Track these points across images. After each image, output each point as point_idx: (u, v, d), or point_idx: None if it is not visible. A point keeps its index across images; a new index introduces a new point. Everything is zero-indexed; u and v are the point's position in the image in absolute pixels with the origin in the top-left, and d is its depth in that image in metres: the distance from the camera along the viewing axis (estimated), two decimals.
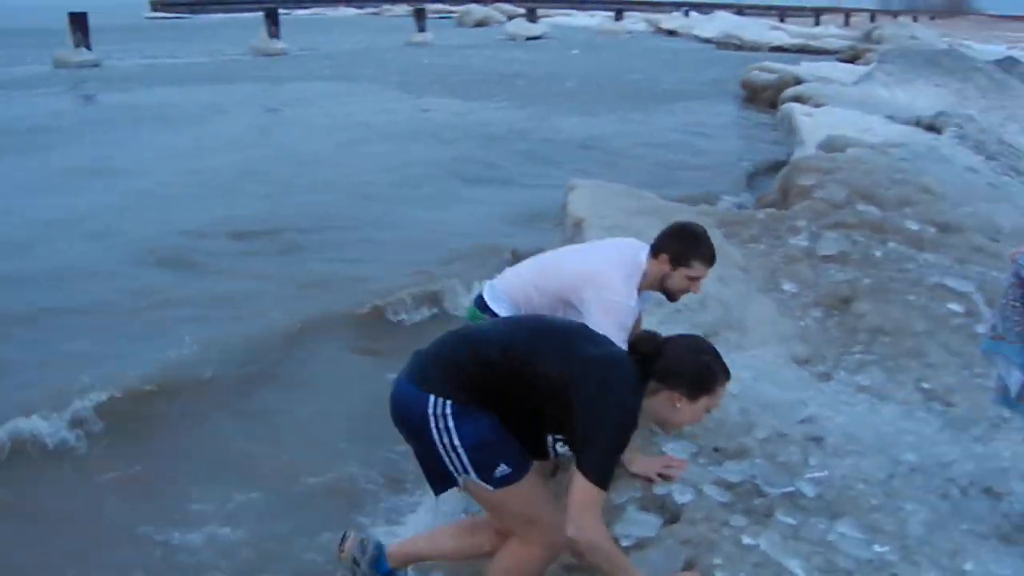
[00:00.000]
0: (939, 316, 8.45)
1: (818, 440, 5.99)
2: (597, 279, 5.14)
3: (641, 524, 5.11)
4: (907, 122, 18.93)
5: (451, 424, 3.89)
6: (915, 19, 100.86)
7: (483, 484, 4.00)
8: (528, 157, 21.12)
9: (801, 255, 9.45)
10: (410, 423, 4.00)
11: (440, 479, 4.08)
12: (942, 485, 5.90)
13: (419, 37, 59.67)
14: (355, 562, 4.56)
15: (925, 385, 7.58)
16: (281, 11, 56.88)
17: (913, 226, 10.18)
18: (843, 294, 8.68)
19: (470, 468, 3.94)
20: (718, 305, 8.05)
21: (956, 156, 15.13)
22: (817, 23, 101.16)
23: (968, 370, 7.75)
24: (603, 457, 3.79)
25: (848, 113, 19.53)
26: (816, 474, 5.61)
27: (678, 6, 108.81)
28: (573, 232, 8.95)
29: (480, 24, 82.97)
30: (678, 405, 4.07)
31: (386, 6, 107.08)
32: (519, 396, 3.95)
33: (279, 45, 52.16)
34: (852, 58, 48.70)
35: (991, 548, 5.35)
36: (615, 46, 63.89)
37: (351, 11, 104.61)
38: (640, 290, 5.32)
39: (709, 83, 38.62)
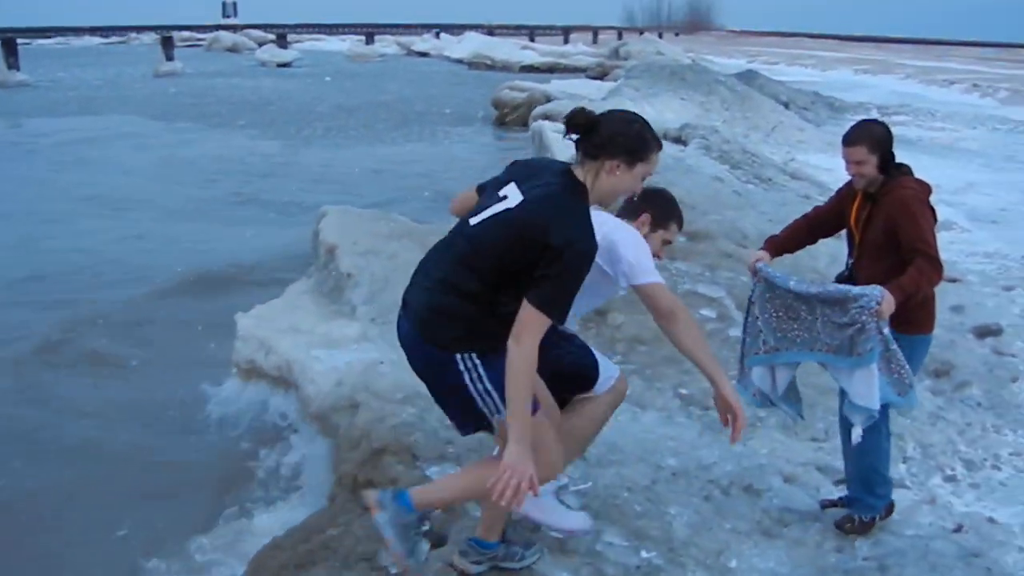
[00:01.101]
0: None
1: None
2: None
3: None
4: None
5: (482, 372, 4.13)
6: (660, 35, 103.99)
7: (500, 416, 4.20)
8: (278, 186, 20.80)
9: None
10: (440, 379, 4.25)
11: (473, 420, 4.34)
12: (704, 487, 6.02)
13: (167, 66, 58.44)
14: (381, 505, 4.53)
15: (683, 391, 7.71)
16: (20, 41, 54.79)
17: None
18: (598, 306, 8.71)
19: (502, 407, 4.13)
20: None
21: (702, 166, 15.54)
22: (566, 41, 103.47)
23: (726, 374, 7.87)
24: (559, 297, 3.97)
25: None
26: (580, 486, 5.63)
27: (429, 28, 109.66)
28: (326, 259, 8.76)
29: (230, 51, 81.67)
30: (617, 173, 4.15)
31: (132, 35, 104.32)
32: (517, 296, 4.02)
33: (19, 76, 50.19)
34: (601, 74, 49.95)
35: (754, 544, 5.48)
36: (367, 69, 63.90)
37: (96, 40, 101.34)
38: None
39: (462, 103, 38.96)
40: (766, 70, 53.15)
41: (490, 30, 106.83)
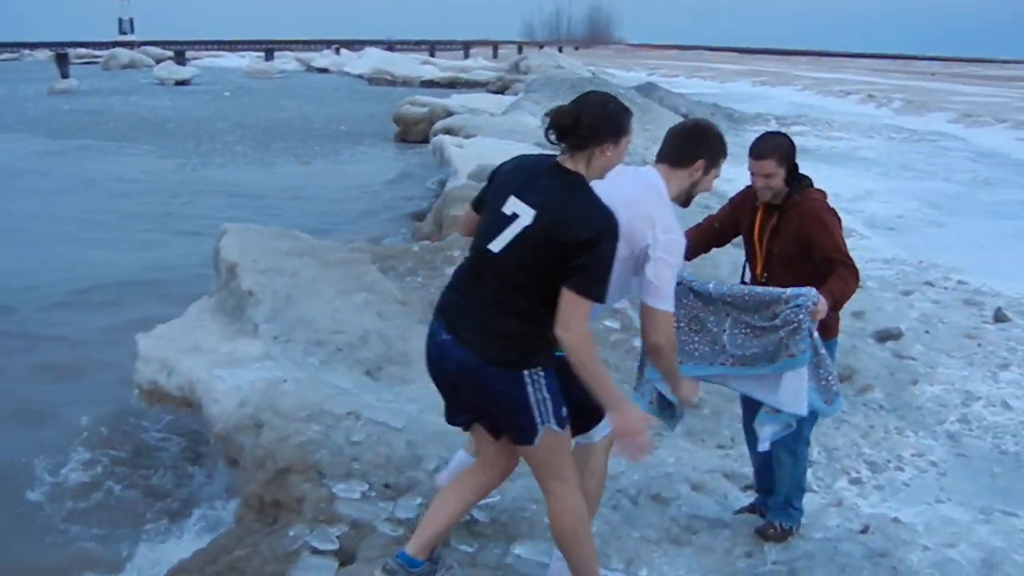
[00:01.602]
0: (595, 333, 8.59)
1: None
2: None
3: (316, 569, 5.02)
4: (554, 148, 19.44)
5: (543, 382, 4.33)
6: (560, 49, 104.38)
7: (555, 427, 4.39)
8: (177, 204, 20.57)
9: None
10: (506, 396, 4.34)
11: (517, 431, 4.43)
12: (613, 497, 6.05)
13: (62, 84, 57.21)
14: (392, 573, 4.67)
15: None
16: None
17: None
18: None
19: (551, 415, 4.36)
20: (379, 340, 7.96)
21: None
22: (467, 56, 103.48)
23: (629, 384, 7.92)
24: (599, 280, 4.15)
25: (499, 142, 19.88)
26: (489, 500, 5.61)
27: (329, 44, 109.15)
28: (228, 277, 8.69)
29: (128, 68, 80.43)
30: (608, 154, 4.29)
31: (26, 51, 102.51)
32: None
33: None
34: (502, 88, 50.03)
35: (663, 552, 5.54)
36: (267, 86, 63.34)
37: None
38: None
39: (362, 119, 38.82)
40: (666, 83, 53.76)
41: (390, 46, 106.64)
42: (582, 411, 4.70)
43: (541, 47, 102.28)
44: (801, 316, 5.20)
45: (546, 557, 5.17)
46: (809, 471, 6.60)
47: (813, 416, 5.67)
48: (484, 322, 4.31)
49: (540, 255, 4.18)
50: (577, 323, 4.11)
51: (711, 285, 5.50)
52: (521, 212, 4.25)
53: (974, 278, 13.42)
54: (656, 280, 4.49)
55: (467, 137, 21.06)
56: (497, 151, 18.35)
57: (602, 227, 4.14)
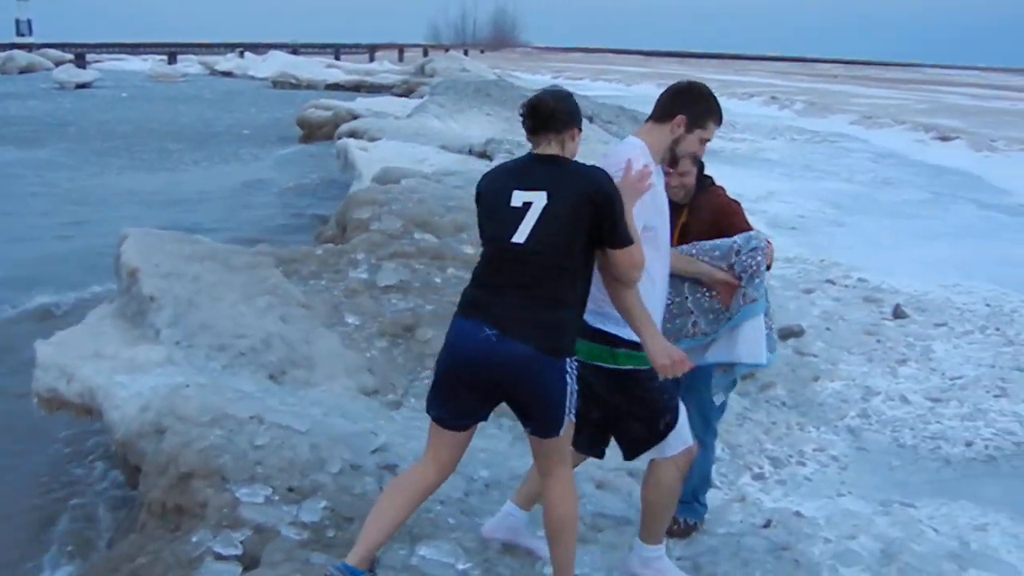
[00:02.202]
0: None
1: (392, 468, 6.02)
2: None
3: (219, 575, 4.97)
4: (460, 150, 19.49)
5: (575, 374, 4.50)
6: (466, 52, 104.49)
7: (574, 417, 4.55)
8: (77, 209, 20.21)
9: (362, 287, 9.47)
10: (547, 388, 4.44)
11: (548, 422, 4.52)
12: None
13: None
14: None
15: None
16: None
17: (470, 250, 10.43)
18: (406, 322, 8.76)
19: (574, 407, 4.52)
20: (282, 344, 7.92)
21: None
22: (372, 59, 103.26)
23: None
24: (626, 224, 4.47)
25: (403, 145, 19.85)
26: None
27: (232, 47, 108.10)
28: (129, 283, 8.58)
29: (25, 71, 78.86)
30: (576, 139, 4.66)
31: None
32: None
33: None
34: (407, 91, 49.94)
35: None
36: (170, 90, 62.53)
37: None
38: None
39: (266, 123, 38.54)
40: (571, 85, 54.13)
41: (295, 49, 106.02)
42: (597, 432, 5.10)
43: (447, 50, 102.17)
44: (759, 259, 5.40)
45: (451, 558, 5.19)
46: (712, 468, 6.69)
47: (722, 407, 5.90)
48: (534, 314, 4.42)
49: (565, 228, 4.41)
50: (639, 262, 4.49)
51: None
52: (533, 199, 4.48)
53: (874, 276, 13.70)
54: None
55: (371, 140, 20.98)
56: (401, 154, 18.36)
57: (609, 183, 4.49)
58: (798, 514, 6.60)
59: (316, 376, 7.78)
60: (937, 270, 14.43)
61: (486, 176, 4.83)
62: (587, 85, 69.10)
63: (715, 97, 5.03)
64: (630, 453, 5.09)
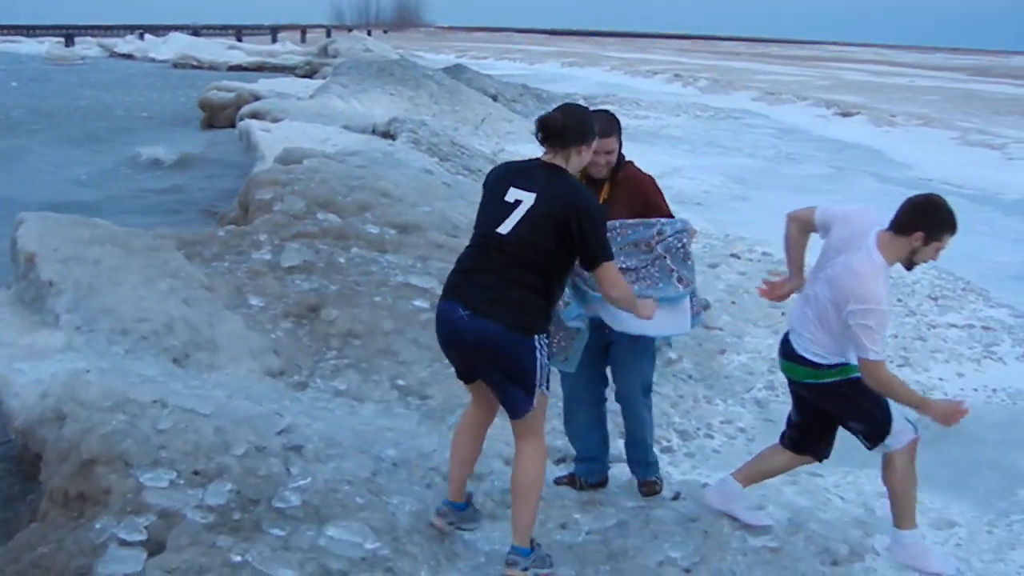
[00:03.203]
0: (406, 314, 8.67)
1: (298, 449, 5.98)
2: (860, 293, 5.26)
3: (124, 561, 4.91)
4: (363, 130, 19.41)
5: (545, 350, 5.11)
6: (369, 33, 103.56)
7: (546, 390, 5.18)
8: None
9: (266, 269, 9.38)
10: (516, 362, 5.04)
11: (518, 393, 5.11)
12: (426, 475, 6.11)
13: None
14: (447, 521, 5.55)
15: (400, 382, 7.79)
16: None
17: (374, 230, 10.39)
18: (311, 303, 8.71)
19: (546, 379, 5.14)
20: (185, 327, 7.84)
21: (411, 159, 15.65)
22: (275, 40, 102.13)
23: (439, 363, 7.99)
24: (605, 243, 5.14)
25: (306, 126, 19.72)
26: (300, 482, 5.60)
27: (132, 29, 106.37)
28: (26, 268, 8.41)
29: None
30: (583, 154, 5.23)
31: None
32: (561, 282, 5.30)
33: None
34: (310, 72, 49.54)
35: (478, 526, 5.60)
36: (68, 73, 61.23)
37: None
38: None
39: (167, 105, 37.94)
40: (475, 64, 54.09)
41: (196, 31, 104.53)
42: (811, 432, 5.92)
43: (350, 31, 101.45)
44: (684, 240, 5.84)
45: (359, 537, 5.19)
46: (621, 441, 6.78)
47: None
48: (501, 294, 5.01)
49: (542, 228, 5.00)
50: (616, 281, 5.17)
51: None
52: (523, 197, 5.07)
53: (778, 250, 13.73)
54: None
55: (274, 121, 20.82)
56: (304, 135, 18.24)
57: (590, 202, 5.14)
58: (707, 486, 6.65)
59: (220, 359, 7.72)
60: None
61: (494, 170, 5.50)
62: (491, 64, 69.03)
63: (950, 210, 5.34)
64: (868, 446, 5.75)
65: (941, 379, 9.33)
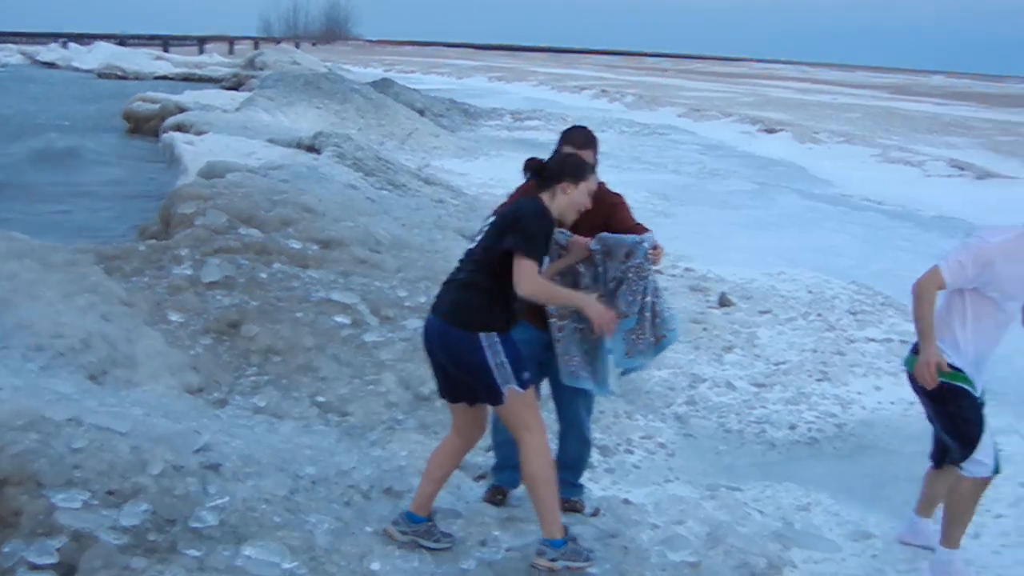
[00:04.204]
0: (328, 330, 8.62)
1: (216, 467, 5.90)
2: None
3: None
4: (288, 144, 19.31)
5: (498, 348, 5.31)
6: (297, 45, 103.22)
7: (517, 387, 5.33)
8: None
9: (186, 284, 9.29)
10: (464, 356, 5.35)
11: (486, 391, 5.39)
12: (345, 492, 6.05)
13: None
14: (400, 530, 5.64)
15: (320, 399, 7.75)
16: None
17: (296, 245, 10.33)
18: (231, 319, 8.64)
19: (512, 377, 5.31)
20: (103, 343, 7.72)
21: (336, 174, 15.58)
22: (202, 51, 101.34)
23: (360, 379, 7.98)
24: (527, 238, 5.24)
25: (231, 139, 19.60)
26: (217, 501, 5.52)
27: (56, 37, 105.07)
28: None
29: None
30: (568, 192, 5.49)
31: None
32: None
33: None
34: (236, 85, 49.28)
35: (397, 546, 5.58)
36: None
37: None
38: None
39: (90, 115, 37.34)
40: (403, 79, 53.98)
41: (122, 40, 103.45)
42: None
43: (278, 43, 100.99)
44: (643, 262, 5.88)
45: (277, 557, 5.15)
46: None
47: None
48: (453, 295, 5.45)
49: (492, 236, 5.38)
50: (526, 279, 5.18)
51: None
52: (492, 218, 5.53)
53: (701, 265, 14.00)
54: None
55: (198, 134, 20.67)
56: (229, 148, 18.12)
57: (524, 206, 5.45)
58: (626, 501, 6.70)
59: (139, 375, 7.61)
60: (762, 259, 14.86)
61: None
62: (419, 78, 69.00)
63: None
64: (938, 457, 6.08)
65: (860, 393, 9.42)
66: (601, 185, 6.10)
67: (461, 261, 5.61)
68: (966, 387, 5.64)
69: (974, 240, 5.63)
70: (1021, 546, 6.05)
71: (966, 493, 5.76)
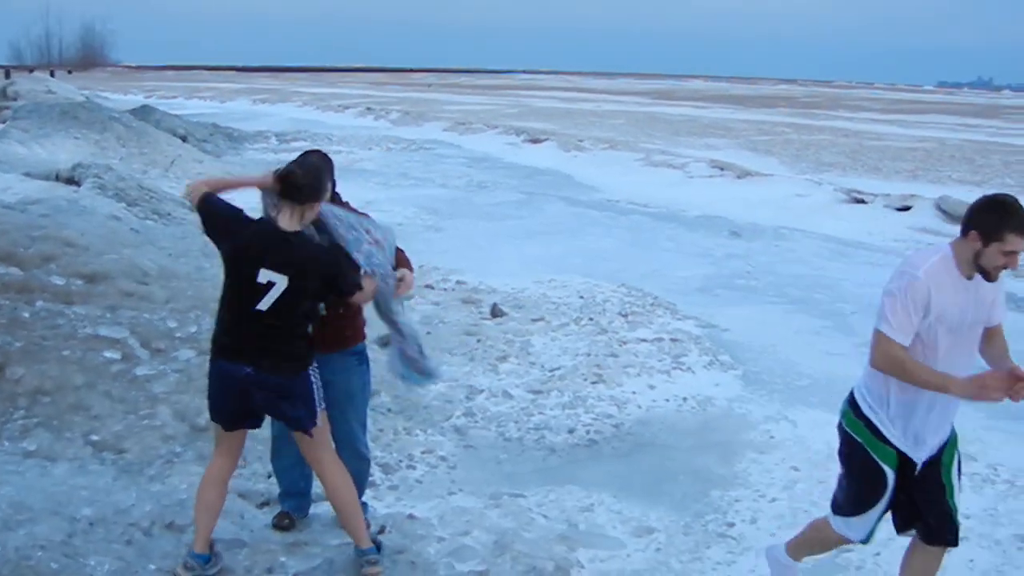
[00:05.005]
0: (97, 366, 8.40)
1: None
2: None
3: None
4: (46, 177, 18.69)
5: (318, 380, 5.57)
6: (52, 73, 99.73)
7: (322, 413, 5.58)
8: None
9: None
10: (291, 392, 5.48)
11: (298, 421, 5.55)
12: (125, 531, 5.96)
13: None
14: (191, 569, 5.53)
15: (94, 437, 7.55)
16: None
17: (59, 281, 10.02)
18: None
19: (320, 405, 5.56)
20: None
21: (97, 206, 15.14)
22: None
23: (134, 414, 7.82)
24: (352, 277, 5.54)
25: None
26: None
27: None
28: None
29: None
30: (316, 208, 5.56)
31: None
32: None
33: None
34: None
35: None
36: None
37: None
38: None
39: None
40: (164, 104, 53.01)
41: None
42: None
43: (31, 71, 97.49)
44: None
45: None
46: (316, 480, 6.80)
47: None
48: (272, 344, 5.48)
49: (299, 300, 5.43)
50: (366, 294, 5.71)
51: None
52: (276, 280, 5.34)
53: (472, 277, 14.17)
54: None
55: None
56: None
57: (332, 260, 5.57)
58: (411, 516, 6.75)
59: None
60: (532, 268, 15.13)
61: (234, 244, 5.62)
62: (181, 103, 67.66)
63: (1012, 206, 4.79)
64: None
65: (634, 392, 9.67)
66: (348, 206, 6.30)
67: (250, 322, 5.53)
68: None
69: (905, 280, 4.83)
70: (795, 527, 6.28)
71: (827, 532, 5.47)
